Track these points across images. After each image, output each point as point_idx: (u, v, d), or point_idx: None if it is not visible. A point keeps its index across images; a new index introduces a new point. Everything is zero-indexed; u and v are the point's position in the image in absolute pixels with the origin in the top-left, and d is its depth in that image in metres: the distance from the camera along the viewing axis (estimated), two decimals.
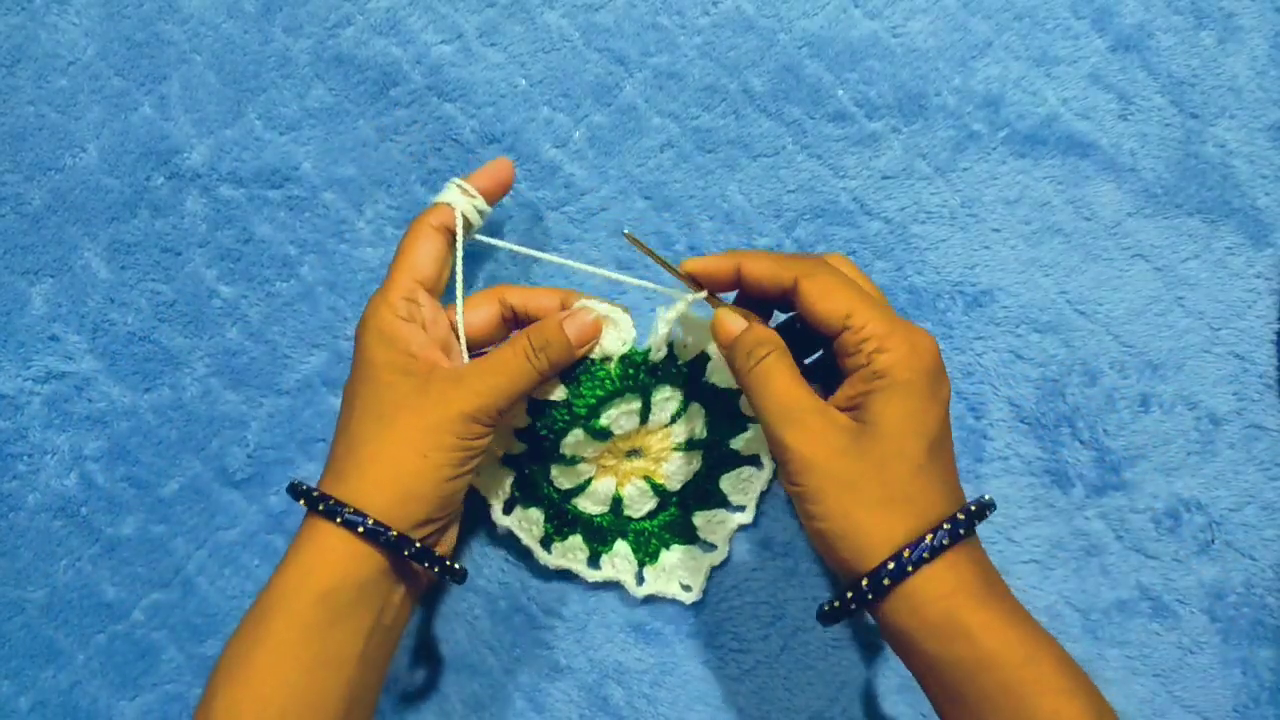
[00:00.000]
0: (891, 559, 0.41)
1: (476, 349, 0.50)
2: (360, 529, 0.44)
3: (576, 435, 0.50)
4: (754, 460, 0.54)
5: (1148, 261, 0.55)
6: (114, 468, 0.56)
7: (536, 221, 0.56)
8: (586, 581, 0.55)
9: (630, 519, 0.54)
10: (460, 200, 0.49)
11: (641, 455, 0.54)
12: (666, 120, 0.56)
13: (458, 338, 0.50)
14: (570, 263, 0.52)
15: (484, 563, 0.55)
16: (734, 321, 0.46)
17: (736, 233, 0.56)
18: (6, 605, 0.56)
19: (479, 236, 0.51)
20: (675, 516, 0.54)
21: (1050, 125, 0.56)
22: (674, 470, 0.54)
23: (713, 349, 0.51)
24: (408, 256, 0.48)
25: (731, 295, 0.49)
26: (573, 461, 0.52)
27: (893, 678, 0.54)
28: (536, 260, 0.56)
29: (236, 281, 0.56)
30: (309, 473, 0.56)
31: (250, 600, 0.55)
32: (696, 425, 0.53)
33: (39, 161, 0.57)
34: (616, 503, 0.54)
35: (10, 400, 0.56)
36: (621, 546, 0.54)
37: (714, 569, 0.55)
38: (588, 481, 0.53)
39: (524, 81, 0.56)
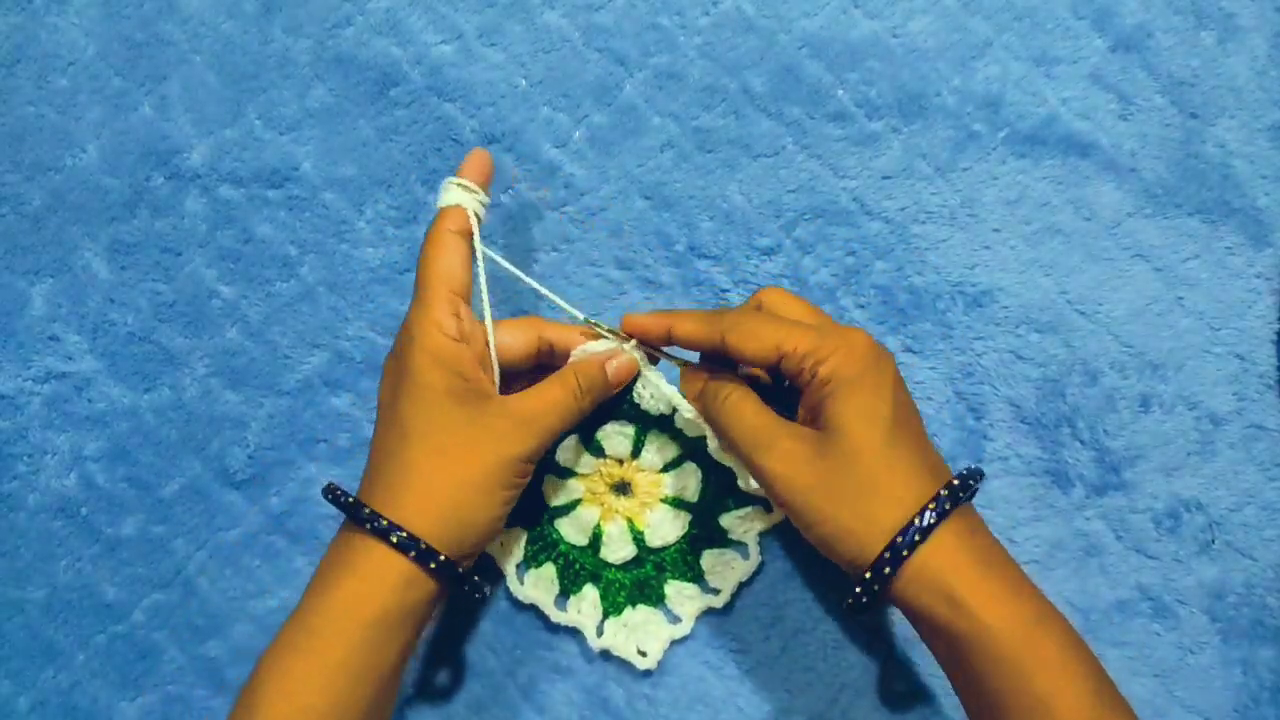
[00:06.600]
0: (887, 549, 0.42)
1: (505, 368, 0.50)
2: (432, 564, 0.44)
3: (571, 440, 0.52)
4: (740, 548, 0.54)
5: (1148, 261, 0.55)
6: (114, 468, 0.56)
7: (537, 221, 0.56)
8: (549, 621, 0.53)
9: (604, 563, 0.54)
10: (467, 199, 0.48)
11: (630, 494, 0.54)
12: (666, 120, 0.56)
13: (487, 346, 0.49)
14: (561, 301, 0.51)
15: (485, 564, 0.55)
16: (696, 376, 0.50)
17: (736, 233, 0.56)
18: (6, 605, 0.56)
19: (495, 257, 0.50)
20: (649, 576, 0.54)
21: (1050, 125, 0.56)
22: (657, 523, 0.53)
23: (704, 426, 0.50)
24: (437, 268, 0.47)
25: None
26: (565, 474, 0.53)
27: (893, 679, 0.54)
28: (533, 262, 0.56)
29: (236, 281, 0.56)
30: (310, 474, 0.56)
31: (252, 601, 0.55)
32: (689, 485, 0.53)
33: (39, 161, 0.57)
34: (596, 539, 0.54)
35: (10, 400, 0.56)
36: (590, 592, 0.54)
37: (674, 642, 0.54)
38: (575, 504, 0.54)
39: (524, 81, 0.56)
